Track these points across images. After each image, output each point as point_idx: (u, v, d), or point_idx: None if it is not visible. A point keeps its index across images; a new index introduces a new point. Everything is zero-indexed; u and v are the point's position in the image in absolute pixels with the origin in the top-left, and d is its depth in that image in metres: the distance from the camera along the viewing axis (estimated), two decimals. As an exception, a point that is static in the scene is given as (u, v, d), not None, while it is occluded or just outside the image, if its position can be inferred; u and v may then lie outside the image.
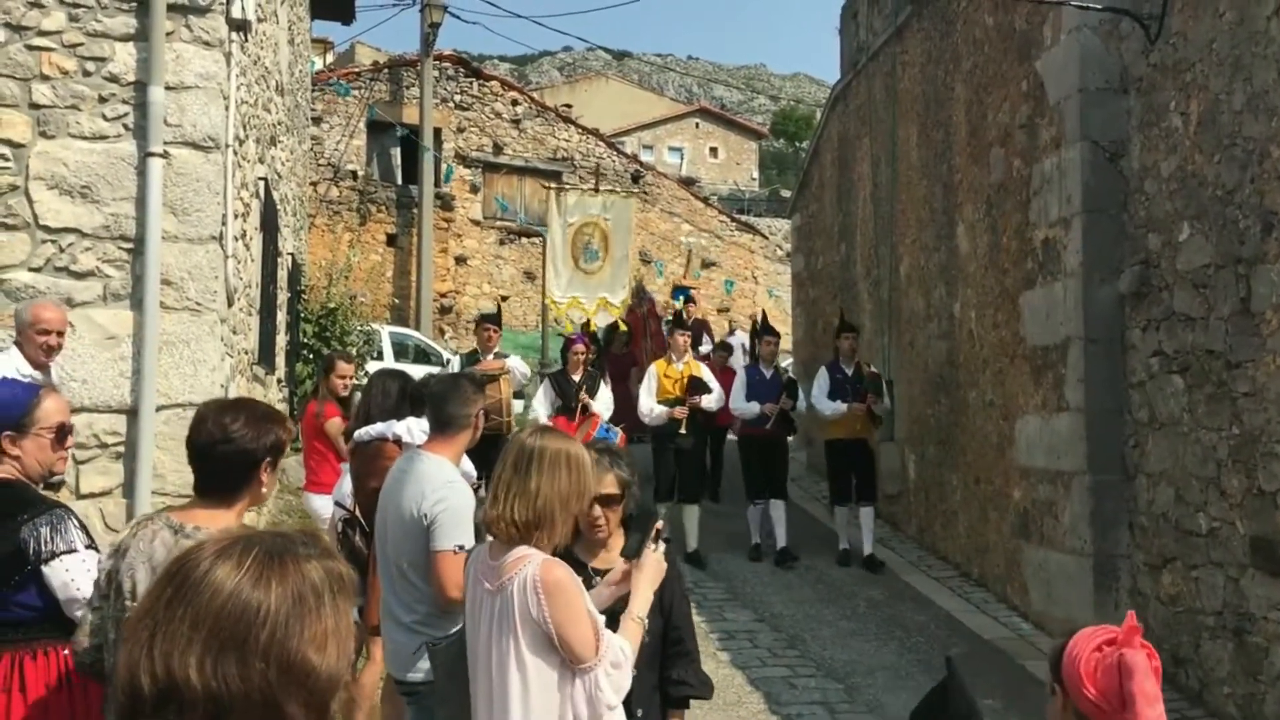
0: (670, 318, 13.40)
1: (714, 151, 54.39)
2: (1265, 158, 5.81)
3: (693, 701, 3.51)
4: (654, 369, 9.76)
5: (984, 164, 8.96)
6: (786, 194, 33.98)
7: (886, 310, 11.34)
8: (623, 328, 13.60)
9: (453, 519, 3.77)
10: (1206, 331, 6.31)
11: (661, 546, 3.17)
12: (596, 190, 16.40)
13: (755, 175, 55.20)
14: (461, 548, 3.75)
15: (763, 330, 10.28)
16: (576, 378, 9.39)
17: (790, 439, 10.41)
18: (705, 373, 9.86)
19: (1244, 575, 5.94)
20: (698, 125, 54.44)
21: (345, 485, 5.32)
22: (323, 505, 6.66)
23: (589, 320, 14.20)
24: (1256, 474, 5.83)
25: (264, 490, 2.99)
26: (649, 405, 9.46)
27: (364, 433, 5.32)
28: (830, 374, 9.82)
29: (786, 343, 22.47)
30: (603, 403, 9.38)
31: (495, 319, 9.81)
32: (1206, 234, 6.31)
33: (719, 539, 10.01)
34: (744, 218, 29.59)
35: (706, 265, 26.35)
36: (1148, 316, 6.91)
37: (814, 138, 15.74)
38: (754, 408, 9.59)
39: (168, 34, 5.80)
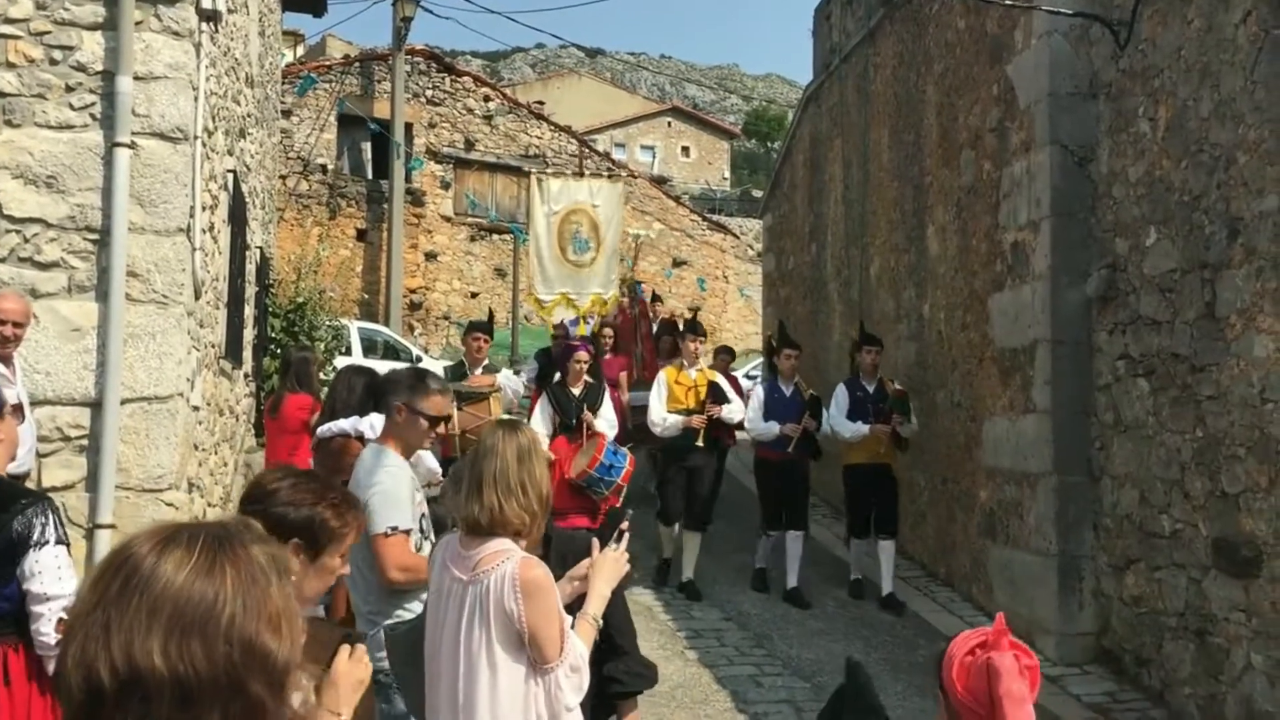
0: (664, 319, 13.02)
1: (686, 151, 54.37)
2: (1231, 164, 5.87)
3: (659, 699, 3.49)
4: (663, 376, 8.90)
5: (954, 166, 9.02)
6: (758, 194, 34.06)
7: (856, 311, 11.38)
8: (607, 334, 11.75)
9: (384, 502, 3.78)
10: (1172, 335, 6.37)
11: (623, 545, 3.17)
12: (581, 174, 15.73)
13: (727, 175, 55.22)
14: (395, 529, 3.76)
15: (780, 342, 9.22)
16: (577, 391, 8.11)
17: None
18: (723, 382, 9.06)
19: (1206, 577, 6.01)
20: (670, 124, 54.38)
21: (311, 481, 5.28)
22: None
23: (578, 319, 13.17)
24: (1219, 476, 5.90)
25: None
26: (661, 414, 8.64)
27: (327, 429, 5.29)
28: (849, 392, 8.85)
29: (755, 342, 22.44)
30: (605, 420, 8.15)
31: (487, 328, 8.76)
32: (1173, 239, 6.38)
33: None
34: (715, 217, 29.71)
35: (678, 264, 26.41)
36: (1114, 320, 6.98)
37: (786, 138, 15.77)
38: (773, 428, 8.67)
39: (137, 23, 5.71)
